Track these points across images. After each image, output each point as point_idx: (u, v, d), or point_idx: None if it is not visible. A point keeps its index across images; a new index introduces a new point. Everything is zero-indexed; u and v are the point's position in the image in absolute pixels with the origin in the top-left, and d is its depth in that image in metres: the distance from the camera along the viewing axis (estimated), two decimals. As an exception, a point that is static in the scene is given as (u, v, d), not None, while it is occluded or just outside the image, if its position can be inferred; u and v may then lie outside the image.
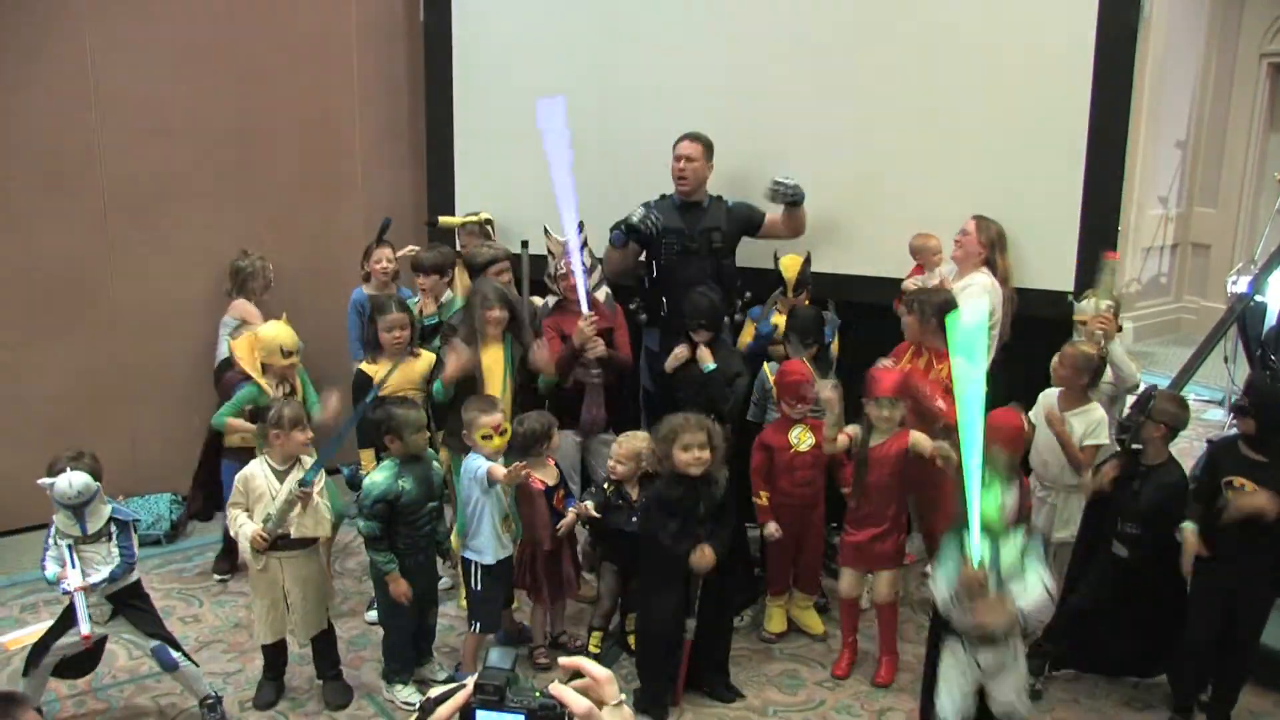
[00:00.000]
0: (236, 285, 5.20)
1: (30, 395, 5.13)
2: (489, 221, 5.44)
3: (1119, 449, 3.80)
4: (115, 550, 3.53)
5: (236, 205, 5.58)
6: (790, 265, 4.66)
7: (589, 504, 4.08)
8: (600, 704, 1.26)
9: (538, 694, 1.26)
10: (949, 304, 4.10)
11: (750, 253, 4.86)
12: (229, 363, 4.61)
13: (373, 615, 4.35)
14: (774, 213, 4.74)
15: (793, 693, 4.03)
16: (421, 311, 4.74)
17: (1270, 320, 5.10)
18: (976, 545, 3.09)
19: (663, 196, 4.79)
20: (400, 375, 4.28)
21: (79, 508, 3.45)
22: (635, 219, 4.64)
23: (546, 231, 4.68)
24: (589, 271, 4.61)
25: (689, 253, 4.68)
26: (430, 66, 5.87)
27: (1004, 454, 3.15)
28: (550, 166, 4.29)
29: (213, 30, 5.40)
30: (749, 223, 4.78)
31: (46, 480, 3.42)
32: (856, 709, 3.92)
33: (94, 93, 5.11)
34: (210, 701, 3.76)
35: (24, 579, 4.63)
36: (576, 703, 1.23)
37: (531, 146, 5.35)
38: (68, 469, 3.43)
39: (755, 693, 4.01)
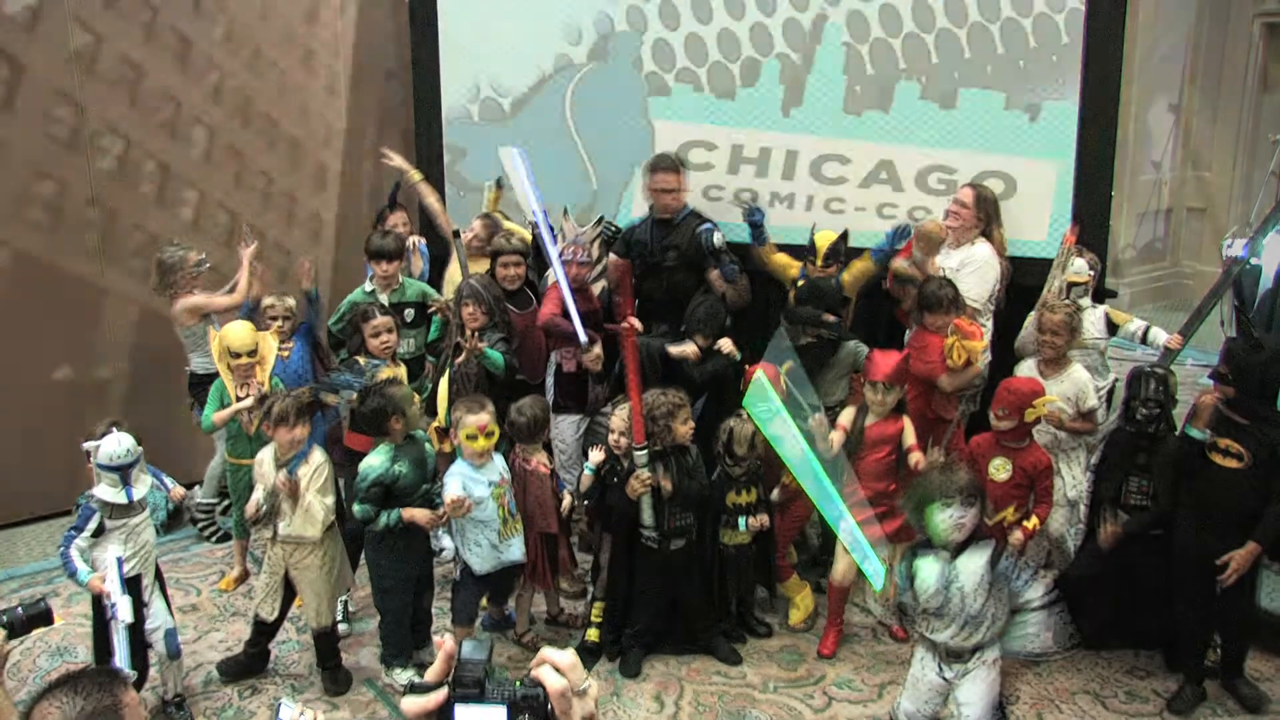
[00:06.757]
0: (161, 280, 4.68)
1: (20, 388, 5.08)
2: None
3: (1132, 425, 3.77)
4: (151, 526, 3.58)
5: (225, 187, 5.53)
6: (825, 237, 4.57)
7: (590, 462, 4.05)
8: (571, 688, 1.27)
9: (518, 684, 1.23)
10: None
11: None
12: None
13: (345, 628, 4.27)
14: (719, 280, 4.67)
15: (792, 668, 4.03)
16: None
17: (1265, 284, 5.06)
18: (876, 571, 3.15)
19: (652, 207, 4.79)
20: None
21: (126, 469, 3.43)
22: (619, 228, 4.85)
23: (566, 214, 4.71)
24: (593, 264, 4.70)
25: (648, 265, 4.75)
26: (416, 37, 5.80)
27: (954, 475, 3.12)
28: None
29: (196, 8, 5.35)
30: (703, 254, 4.69)
31: (92, 443, 3.41)
32: (857, 684, 3.92)
33: (79, 80, 5.04)
34: (177, 700, 3.74)
35: (19, 572, 4.60)
36: (553, 683, 1.23)
37: (518, 116, 5.35)
38: (113, 431, 3.43)
39: (755, 668, 4.01)
